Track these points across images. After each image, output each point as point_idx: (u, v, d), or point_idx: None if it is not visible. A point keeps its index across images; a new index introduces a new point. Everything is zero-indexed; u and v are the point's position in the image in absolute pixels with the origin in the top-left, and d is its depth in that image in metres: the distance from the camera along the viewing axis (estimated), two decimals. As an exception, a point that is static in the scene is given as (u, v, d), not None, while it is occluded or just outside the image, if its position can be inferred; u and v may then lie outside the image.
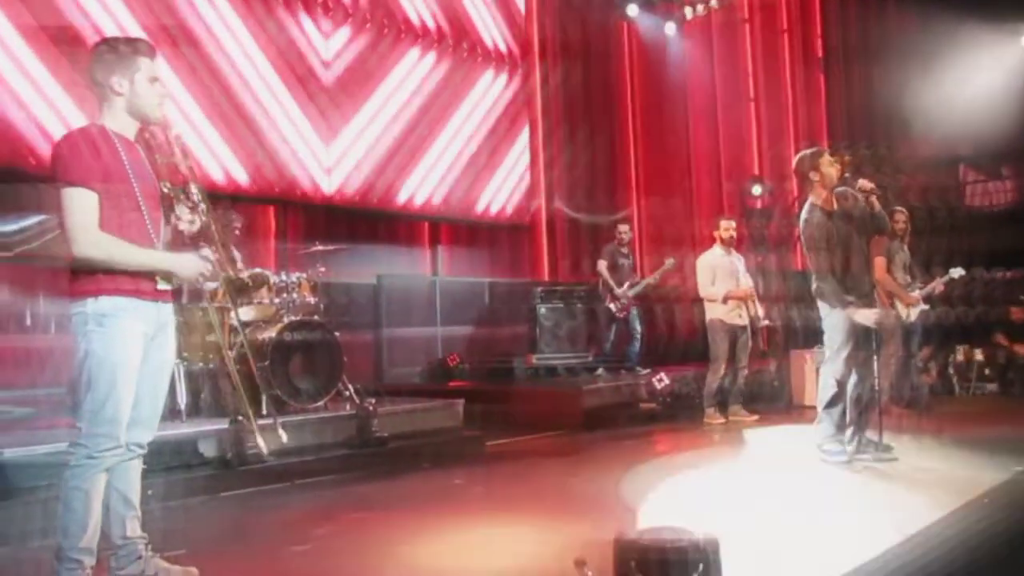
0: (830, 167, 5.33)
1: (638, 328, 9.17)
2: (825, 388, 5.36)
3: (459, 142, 10.24)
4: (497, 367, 8.95)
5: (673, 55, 12.45)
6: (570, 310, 9.17)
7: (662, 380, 8.11)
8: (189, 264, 3.03)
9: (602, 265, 9.13)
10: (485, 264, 10.35)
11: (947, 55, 10.97)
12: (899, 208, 7.99)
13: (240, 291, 5.62)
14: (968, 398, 9.31)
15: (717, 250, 7.67)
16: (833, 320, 5.24)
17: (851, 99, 12.15)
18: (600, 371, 8.92)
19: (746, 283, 7.63)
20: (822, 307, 5.32)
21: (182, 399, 5.31)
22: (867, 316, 5.13)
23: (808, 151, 5.51)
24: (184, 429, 5.02)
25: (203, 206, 3.09)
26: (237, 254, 6.17)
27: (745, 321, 7.60)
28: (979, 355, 9.53)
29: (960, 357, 9.59)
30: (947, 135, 11.25)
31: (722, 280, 7.55)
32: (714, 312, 7.56)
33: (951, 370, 9.60)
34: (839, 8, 12.33)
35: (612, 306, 9.02)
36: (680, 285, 10.35)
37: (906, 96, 11.09)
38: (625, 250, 9.29)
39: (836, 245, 5.22)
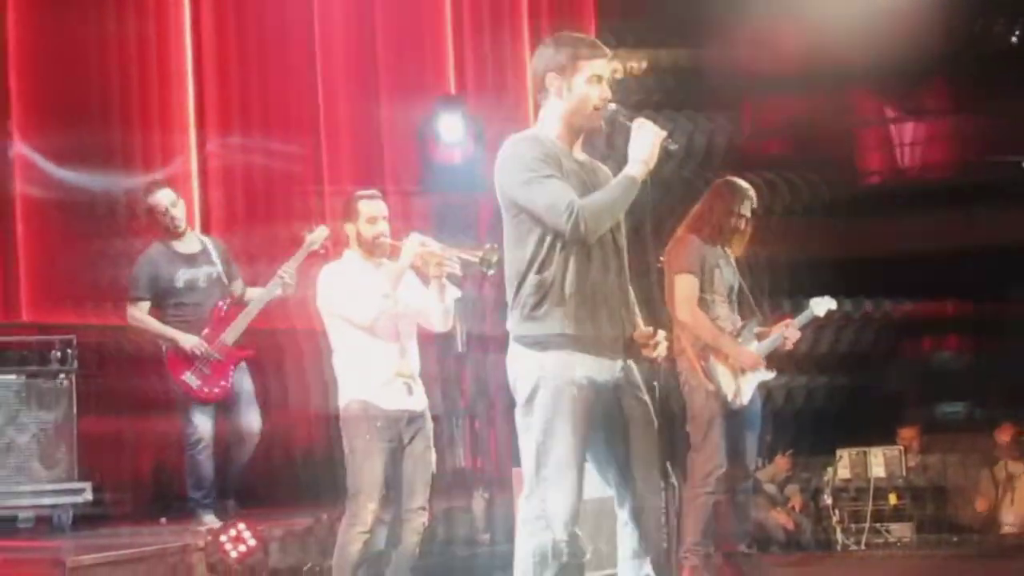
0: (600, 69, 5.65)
1: (255, 423, 9.31)
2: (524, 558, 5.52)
3: None
4: None
5: None
6: (45, 391, 9.26)
7: (241, 541, 8.18)
8: None
9: (134, 312, 9.14)
10: None
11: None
12: (739, 184, 8.49)
13: None
14: (862, 555, 10.15)
15: (354, 259, 7.75)
16: (530, 374, 5.55)
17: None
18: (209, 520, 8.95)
19: (438, 318, 7.72)
20: (514, 344, 5.64)
21: None
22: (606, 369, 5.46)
23: (563, 37, 5.77)
24: None
25: None
26: None
27: (419, 405, 7.73)
28: (879, 464, 10.25)
29: (844, 472, 10.30)
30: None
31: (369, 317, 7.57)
32: (354, 390, 7.61)
33: (827, 498, 10.24)
34: None
35: (188, 377, 9.06)
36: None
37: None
38: (190, 245, 9.41)
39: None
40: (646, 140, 5.45)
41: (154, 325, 9.13)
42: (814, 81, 13.89)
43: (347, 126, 13.16)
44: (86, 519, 9.28)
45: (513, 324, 5.62)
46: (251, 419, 9.31)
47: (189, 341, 9.03)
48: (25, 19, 11.29)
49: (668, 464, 5.81)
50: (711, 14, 12.85)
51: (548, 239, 5.50)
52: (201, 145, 12.28)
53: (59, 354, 9.39)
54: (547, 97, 5.68)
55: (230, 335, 9.16)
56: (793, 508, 10.47)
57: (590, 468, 5.70)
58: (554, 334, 5.48)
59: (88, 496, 9.24)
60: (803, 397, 10.80)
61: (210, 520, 8.95)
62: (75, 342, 9.51)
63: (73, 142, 11.09)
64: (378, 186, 8.53)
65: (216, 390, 9.12)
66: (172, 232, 9.31)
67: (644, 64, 12.34)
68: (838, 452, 10.56)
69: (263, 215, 11.93)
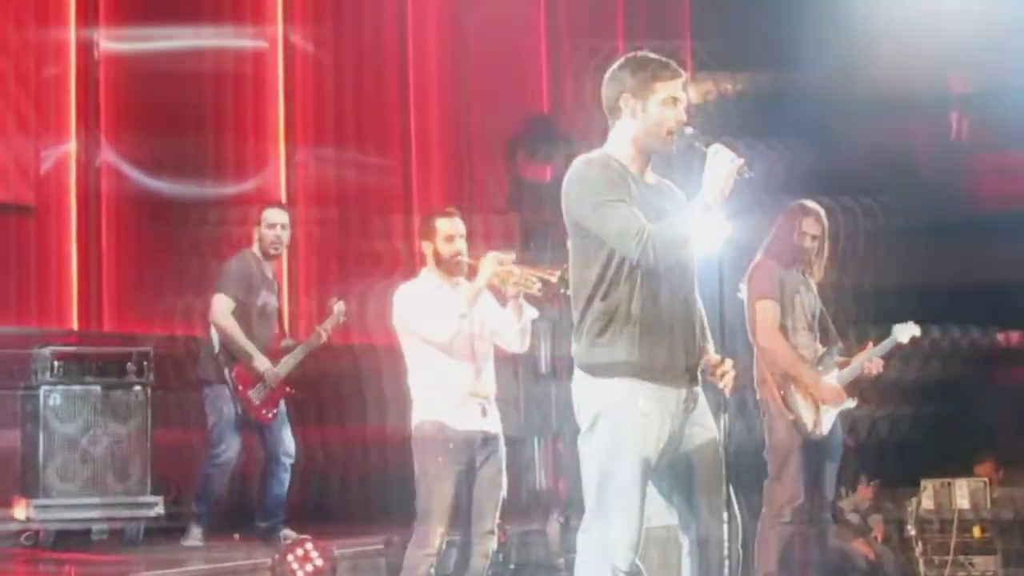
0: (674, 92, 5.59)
1: (290, 446, 9.46)
2: None
3: None
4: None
5: None
6: (121, 403, 9.27)
7: (308, 560, 8.17)
8: None
9: (223, 307, 9.22)
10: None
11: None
12: (806, 203, 8.43)
13: None
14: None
15: (430, 278, 7.74)
16: (593, 401, 5.59)
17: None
18: (195, 535, 9.15)
19: (515, 338, 7.71)
20: (578, 370, 5.67)
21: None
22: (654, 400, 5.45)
23: (637, 58, 5.72)
24: None
25: None
26: None
27: (494, 427, 7.72)
28: (963, 496, 10.18)
29: (927, 503, 10.23)
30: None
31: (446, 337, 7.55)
32: (428, 410, 7.61)
33: (911, 529, 10.19)
34: None
35: (253, 394, 9.22)
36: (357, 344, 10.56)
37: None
38: (270, 271, 9.57)
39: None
40: (721, 168, 5.33)
41: (237, 333, 9.20)
42: (910, 106, 13.76)
43: (437, 142, 13.16)
44: (161, 532, 9.36)
45: (577, 350, 5.61)
46: (291, 444, 9.46)
47: (263, 364, 9.18)
48: (118, 29, 11.50)
49: (733, 494, 5.70)
50: (809, 35, 12.75)
51: (615, 262, 5.45)
52: (290, 157, 12.40)
53: (135, 366, 9.41)
54: (619, 117, 5.62)
55: (282, 368, 9.29)
56: (876, 538, 10.39)
57: (654, 496, 5.64)
58: (619, 361, 5.45)
59: (160, 510, 9.32)
60: (888, 426, 10.69)
61: (285, 535, 9.06)
62: (152, 354, 9.57)
63: (162, 151, 11.20)
64: (467, 203, 8.51)
65: (270, 415, 9.28)
66: (267, 251, 9.44)
67: (733, 87, 12.28)
68: (922, 483, 10.41)
69: (350, 227, 11.96)
